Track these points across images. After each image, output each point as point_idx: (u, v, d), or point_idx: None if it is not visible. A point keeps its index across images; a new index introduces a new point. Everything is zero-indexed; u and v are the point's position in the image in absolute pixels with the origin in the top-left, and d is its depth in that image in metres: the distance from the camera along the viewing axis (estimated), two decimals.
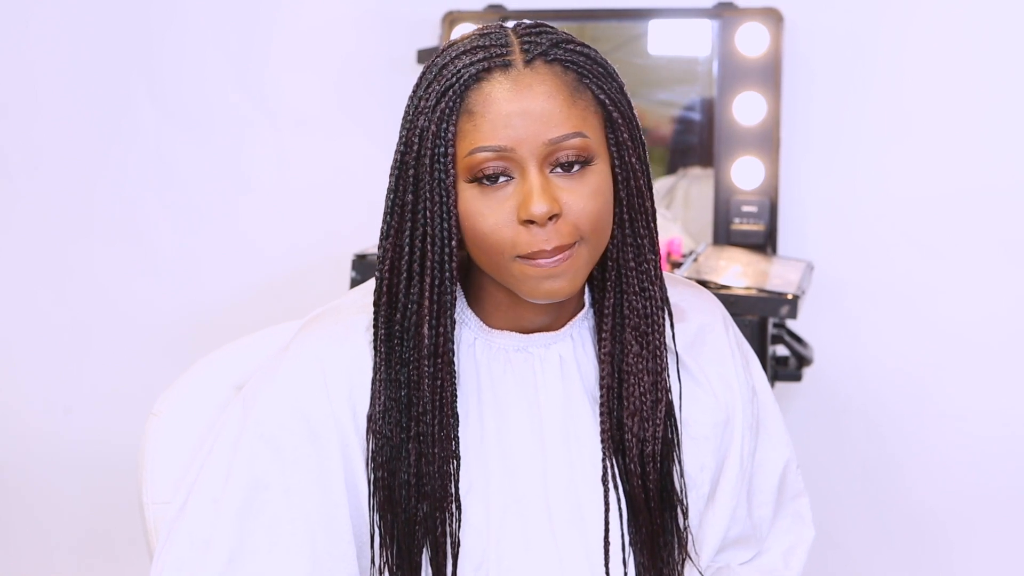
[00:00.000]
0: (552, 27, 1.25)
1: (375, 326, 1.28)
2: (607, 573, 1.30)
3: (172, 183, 2.78)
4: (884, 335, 2.58)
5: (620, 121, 1.23)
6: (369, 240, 2.37)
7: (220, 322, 2.73)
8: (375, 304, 1.28)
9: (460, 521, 1.27)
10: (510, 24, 1.25)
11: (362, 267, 2.30)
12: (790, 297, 2.15)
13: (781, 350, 2.47)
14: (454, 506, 1.27)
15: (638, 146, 1.25)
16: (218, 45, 2.73)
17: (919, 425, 2.59)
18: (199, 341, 2.60)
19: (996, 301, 2.53)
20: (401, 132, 1.25)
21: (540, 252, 1.19)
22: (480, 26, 1.26)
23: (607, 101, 1.23)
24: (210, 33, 2.73)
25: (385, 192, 1.27)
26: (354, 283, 2.31)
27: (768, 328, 2.31)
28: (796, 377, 2.40)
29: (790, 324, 2.47)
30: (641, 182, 1.25)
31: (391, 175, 1.25)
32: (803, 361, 2.40)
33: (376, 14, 2.68)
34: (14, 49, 2.76)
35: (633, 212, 1.26)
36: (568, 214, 1.20)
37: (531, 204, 1.18)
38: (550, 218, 1.19)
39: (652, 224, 1.28)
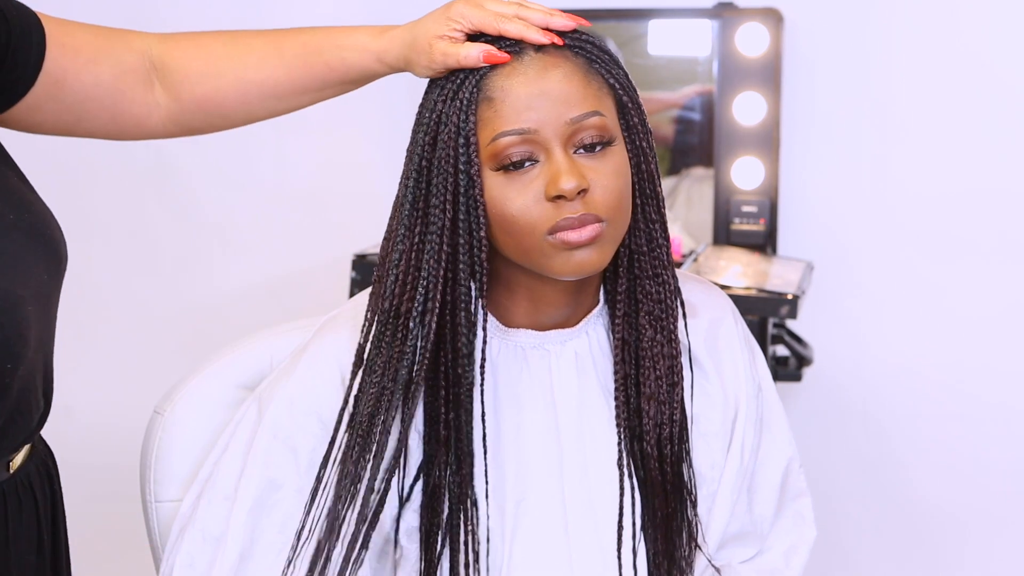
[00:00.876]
0: None
1: (381, 330, 1.26)
2: (619, 558, 1.30)
3: (172, 183, 2.78)
4: (884, 335, 2.58)
5: (630, 105, 1.25)
6: (368, 240, 2.37)
7: (220, 322, 2.73)
8: (387, 309, 1.26)
9: (477, 522, 1.28)
10: None
11: (362, 267, 2.29)
12: (790, 297, 2.15)
13: (781, 350, 2.47)
14: (472, 508, 1.28)
15: (647, 132, 1.27)
16: None
17: (919, 425, 2.59)
18: (199, 341, 2.60)
19: (997, 300, 2.53)
20: (417, 129, 1.24)
21: (567, 221, 1.19)
22: None
23: (617, 85, 1.24)
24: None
25: (398, 193, 1.26)
26: (354, 283, 2.31)
27: (768, 328, 2.32)
28: (796, 377, 2.40)
29: (790, 324, 2.47)
30: (652, 167, 1.27)
31: (409, 176, 1.24)
32: (803, 361, 2.40)
33: (376, 14, 2.68)
34: None
35: (645, 197, 1.27)
36: (594, 191, 1.21)
37: (560, 181, 1.19)
38: (579, 193, 1.20)
39: (662, 210, 1.29)
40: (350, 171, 2.72)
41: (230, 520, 1.27)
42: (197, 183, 2.77)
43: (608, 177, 1.21)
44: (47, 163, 2.80)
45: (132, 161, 2.77)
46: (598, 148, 1.21)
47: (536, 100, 1.19)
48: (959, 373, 2.56)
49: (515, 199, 1.20)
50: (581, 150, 1.21)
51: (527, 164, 1.20)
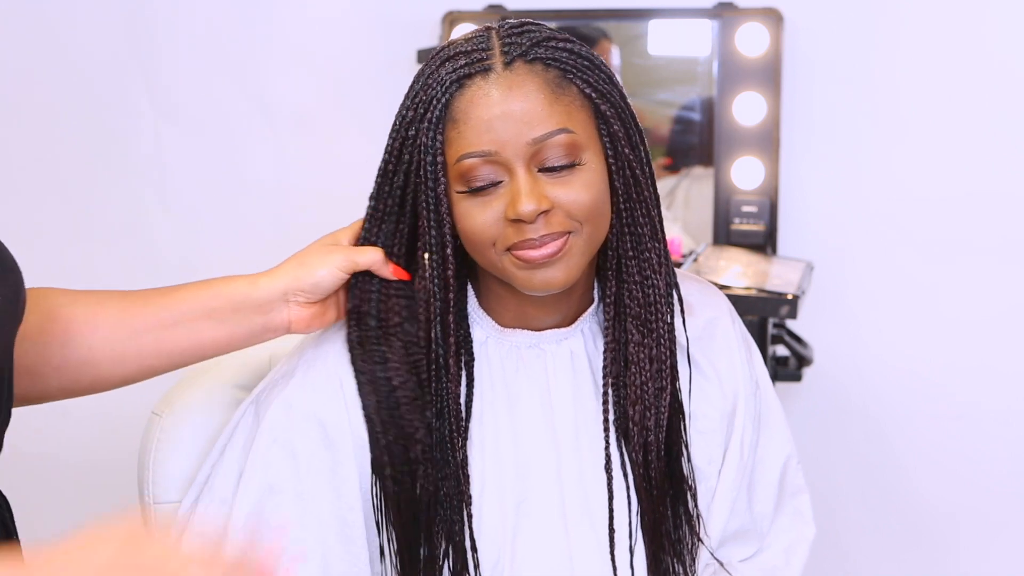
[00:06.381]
0: (538, 25, 1.25)
1: (364, 334, 1.29)
2: (612, 560, 1.30)
3: (172, 183, 2.78)
4: (884, 335, 2.58)
5: (610, 113, 1.23)
6: None
7: None
8: (360, 313, 1.29)
9: (472, 526, 1.28)
10: (497, 25, 1.26)
11: None
12: (790, 297, 2.15)
13: (781, 350, 2.47)
14: (466, 511, 1.28)
15: (632, 135, 1.25)
16: (217, 45, 2.73)
17: (919, 425, 2.59)
18: None
19: (996, 300, 2.53)
20: (389, 140, 1.27)
21: (527, 241, 1.20)
22: (465, 32, 1.26)
23: (594, 94, 1.23)
24: (209, 33, 2.73)
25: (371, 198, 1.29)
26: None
27: (768, 328, 2.32)
28: (796, 377, 2.40)
29: (790, 324, 2.47)
30: (637, 171, 1.25)
31: (377, 181, 1.28)
32: (803, 361, 2.40)
33: (376, 14, 2.68)
34: (14, 49, 2.76)
35: (631, 202, 1.26)
36: (559, 207, 1.20)
37: (519, 204, 1.19)
38: (541, 214, 1.19)
39: (653, 212, 1.28)
40: (350, 171, 2.71)
41: (228, 525, 1.27)
42: (197, 183, 2.77)
43: (575, 191, 1.21)
44: (47, 163, 2.80)
45: (132, 161, 2.77)
46: (565, 165, 1.21)
47: (497, 121, 1.19)
48: (959, 373, 2.56)
49: (476, 216, 1.21)
50: (547, 167, 1.21)
51: (492, 184, 1.21)
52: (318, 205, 2.74)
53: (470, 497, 1.28)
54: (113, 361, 1.30)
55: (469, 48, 1.22)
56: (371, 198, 1.29)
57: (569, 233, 1.21)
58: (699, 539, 1.35)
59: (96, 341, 1.29)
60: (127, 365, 1.31)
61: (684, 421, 1.34)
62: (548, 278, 1.22)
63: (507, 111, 1.19)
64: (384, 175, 1.27)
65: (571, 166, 1.20)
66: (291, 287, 1.29)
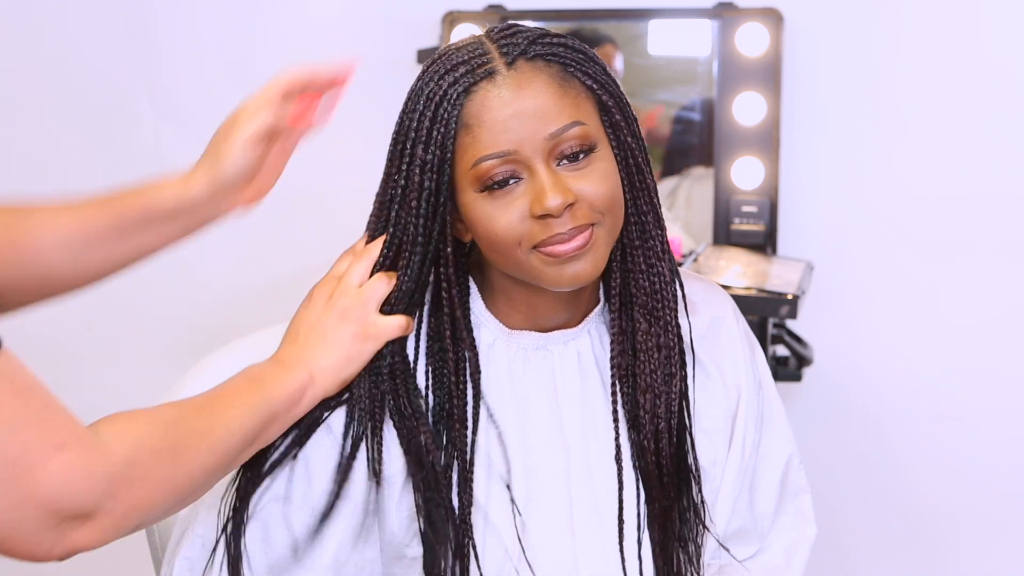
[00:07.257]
0: (525, 25, 1.26)
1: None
2: (621, 551, 1.30)
3: None
4: (884, 335, 2.58)
5: (611, 103, 1.24)
6: None
7: (220, 322, 2.73)
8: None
9: (474, 537, 1.28)
10: (485, 31, 1.27)
11: None
12: (790, 297, 2.15)
13: (781, 350, 2.47)
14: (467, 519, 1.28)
15: (631, 124, 1.27)
16: (217, 45, 2.73)
17: (919, 425, 2.59)
18: (199, 341, 2.60)
19: (996, 301, 2.53)
20: (394, 165, 1.28)
21: (556, 236, 1.20)
22: (452, 43, 1.27)
23: (595, 85, 1.24)
24: (209, 33, 2.73)
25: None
26: None
27: (768, 328, 2.32)
28: (796, 377, 2.40)
29: (790, 324, 2.47)
30: (639, 159, 1.26)
31: (380, 199, 1.30)
32: (803, 361, 2.40)
33: (376, 14, 2.68)
34: (13, 49, 2.76)
35: (635, 190, 1.27)
36: (583, 200, 1.21)
37: (545, 199, 1.19)
38: (566, 208, 1.20)
39: (655, 199, 1.29)
40: (350, 171, 2.72)
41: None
42: None
43: (595, 183, 1.21)
44: (47, 163, 2.80)
45: (131, 161, 2.77)
46: (581, 157, 1.21)
47: (512, 121, 1.19)
48: (959, 373, 2.56)
49: (500, 217, 1.21)
50: (564, 161, 1.21)
51: (511, 182, 1.21)
52: (317, 205, 2.74)
53: (470, 510, 1.28)
54: (74, 275, 1.31)
55: (466, 57, 1.22)
56: (376, 218, 1.31)
57: (593, 225, 1.22)
58: (704, 527, 1.35)
59: (55, 260, 1.29)
60: (85, 276, 1.32)
61: (688, 410, 1.35)
62: (577, 271, 1.22)
63: (521, 109, 1.20)
64: (391, 195, 1.28)
65: (588, 153, 1.21)
66: (218, 187, 1.31)
